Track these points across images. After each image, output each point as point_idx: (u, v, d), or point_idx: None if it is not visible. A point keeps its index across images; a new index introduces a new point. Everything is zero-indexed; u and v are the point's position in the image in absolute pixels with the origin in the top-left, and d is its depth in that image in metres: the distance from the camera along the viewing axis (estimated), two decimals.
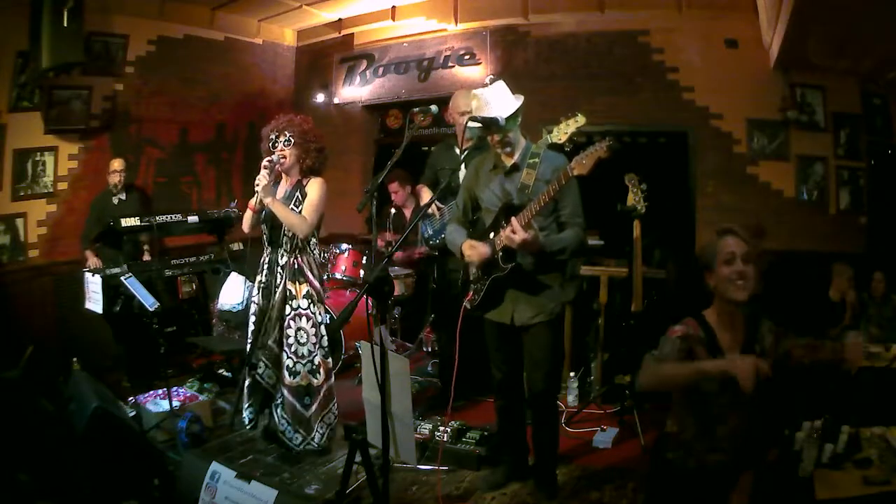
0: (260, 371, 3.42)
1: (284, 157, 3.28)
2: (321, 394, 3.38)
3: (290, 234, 3.31)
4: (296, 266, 3.33)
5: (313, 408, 3.37)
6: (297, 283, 3.33)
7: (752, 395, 1.93)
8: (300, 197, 3.32)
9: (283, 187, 3.41)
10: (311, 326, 3.33)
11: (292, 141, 3.29)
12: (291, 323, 3.32)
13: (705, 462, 2.03)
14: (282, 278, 3.34)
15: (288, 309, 3.32)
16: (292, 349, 3.33)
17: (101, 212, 4.98)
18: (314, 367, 3.35)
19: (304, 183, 3.35)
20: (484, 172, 3.02)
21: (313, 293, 3.35)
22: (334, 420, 3.45)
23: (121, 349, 4.64)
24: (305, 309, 3.32)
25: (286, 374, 3.36)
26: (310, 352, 3.34)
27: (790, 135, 5.10)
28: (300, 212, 3.28)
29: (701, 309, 2.15)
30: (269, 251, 3.42)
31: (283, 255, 3.35)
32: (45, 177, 5.13)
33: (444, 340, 4.24)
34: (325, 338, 3.39)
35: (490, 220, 2.91)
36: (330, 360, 3.43)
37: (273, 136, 3.32)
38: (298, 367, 3.34)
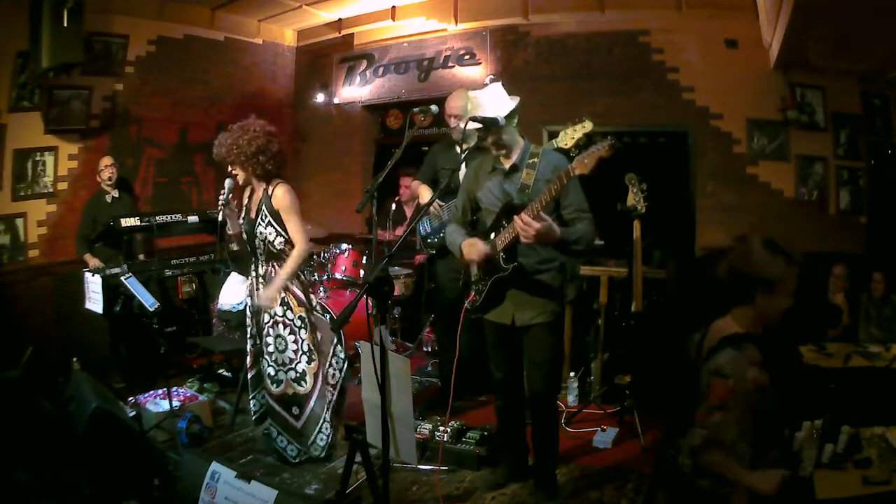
0: (268, 381, 3.41)
1: (236, 175, 3.32)
2: (311, 402, 3.33)
3: (262, 248, 3.33)
4: (272, 274, 3.34)
5: (304, 417, 3.33)
6: None
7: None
8: (267, 210, 3.29)
9: (254, 202, 3.38)
10: (290, 333, 3.30)
11: (229, 161, 3.29)
12: (270, 331, 3.32)
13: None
14: (261, 287, 3.36)
15: (266, 317, 3.33)
16: (272, 357, 3.33)
17: (95, 213, 4.97)
18: (298, 375, 3.31)
19: (270, 193, 3.32)
20: (483, 174, 3.01)
21: (289, 299, 3.32)
22: (330, 430, 3.39)
23: (118, 349, 4.64)
24: (282, 317, 3.31)
25: (268, 382, 3.36)
26: (291, 359, 3.31)
27: (790, 135, 5.10)
28: (268, 224, 3.27)
29: (717, 307, 2.02)
30: (253, 260, 3.46)
31: (261, 265, 3.38)
32: (45, 177, 5.13)
33: (443, 340, 4.24)
34: (308, 343, 3.32)
35: (490, 221, 2.91)
36: (315, 364, 3.34)
37: (220, 160, 3.34)
38: (280, 375, 3.32)
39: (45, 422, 3.12)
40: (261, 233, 3.30)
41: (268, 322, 3.32)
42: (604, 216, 4.08)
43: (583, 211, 2.81)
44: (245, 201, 3.47)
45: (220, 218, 3.41)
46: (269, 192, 3.32)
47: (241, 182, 3.36)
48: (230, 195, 3.37)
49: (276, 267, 3.34)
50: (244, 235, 3.42)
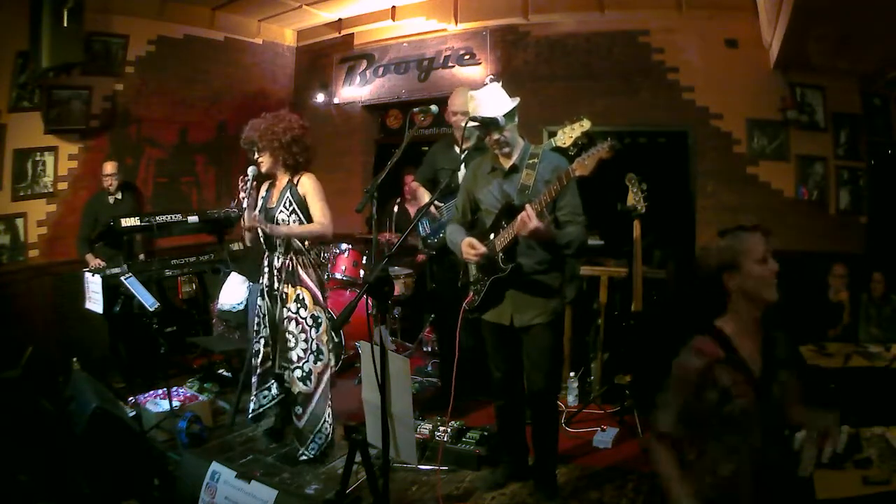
0: (286, 378, 3.39)
1: (261, 163, 3.30)
2: (312, 403, 3.30)
3: (282, 238, 3.30)
4: (290, 268, 3.31)
5: (305, 418, 3.31)
6: (289, 285, 3.30)
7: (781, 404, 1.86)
8: (291, 198, 3.29)
9: (276, 191, 3.38)
10: (301, 331, 3.28)
11: (259, 147, 3.28)
12: (289, 326, 3.30)
13: (732, 489, 1.87)
14: (279, 281, 3.33)
15: (286, 311, 3.30)
16: (286, 354, 3.32)
17: (97, 213, 4.98)
18: (304, 374, 3.28)
19: (295, 182, 3.32)
20: (482, 174, 3.01)
21: (305, 296, 3.29)
22: (329, 430, 3.36)
23: (118, 349, 4.64)
24: (295, 313, 3.29)
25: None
26: (299, 357, 3.28)
27: (790, 135, 5.10)
28: (292, 212, 3.27)
29: (705, 313, 1.99)
30: (267, 254, 3.41)
31: (278, 258, 3.34)
32: (45, 177, 5.13)
33: (444, 340, 4.24)
34: (317, 343, 3.30)
35: (490, 222, 2.91)
36: (321, 364, 3.32)
37: (248, 146, 3.34)
38: (287, 373, 3.33)
39: (45, 422, 3.12)
40: (283, 220, 3.26)
41: (285, 317, 3.30)
42: (604, 216, 4.09)
43: (577, 214, 2.83)
44: (262, 193, 3.43)
45: (244, 203, 3.32)
46: (295, 181, 3.31)
47: (264, 170, 3.32)
48: (253, 183, 3.34)
49: (294, 260, 3.30)
50: (259, 230, 3.36)
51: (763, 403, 1.84)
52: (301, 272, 3.31)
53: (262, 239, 3.39)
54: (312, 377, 3.29)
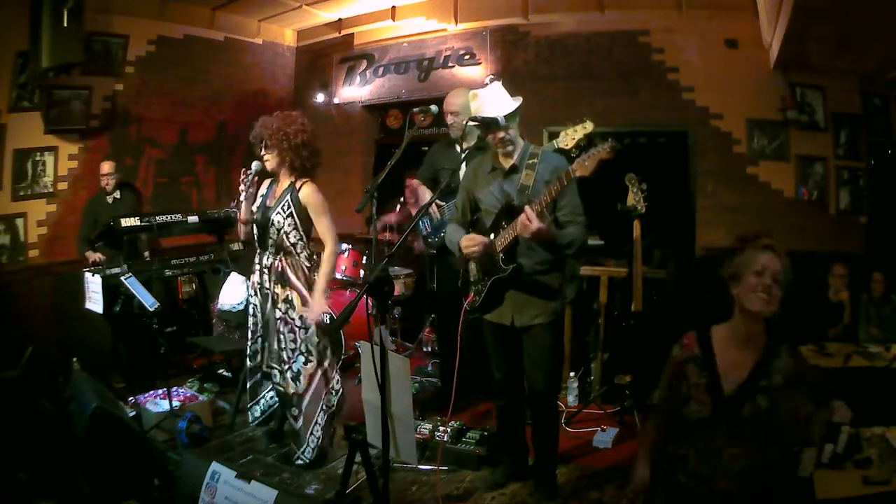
0: (276, 379, 3.38)
1: (267, 161, 3.29)
2: (304, 404, 3.28)
3: (275, 237, 3.28)
4: (279, 269, 3.29)
5: (300, 420, 3.29)
6: (279, 285, 3.29)
7: (753, 426, 1.90)
8: (290, 201, 3.26)
9: (277, 190, 3.36)
10: (289, 332, 3.26)
11: (268, 144, 3.26)
12: (280, 326, 3.29)
13: (714, 488, 1.94)
14: (269, 281, 3.32)
15: (277, 312, 3.29)
16: (277, 354, 3.31)
17: (96, 213, 4.99)
18: (293, 374, 3.27)
19: (297, 187, 3.29)
20: (482, 174, 3.01)
21: (294, 297, 3.27)
22: (320, 433, 3.31)
23: (118, 349, 4.64)
24: (284, 313, 3.27)
25: (279, 377, 3.36)
26: (288, 357, 3.27)
27: (790, 135, 5.10)
28: (288, 215, 3.25)
29: (707, 315, 2.08)
30: (259, 252, 3.40)
31: (268, 257, 3.33)
32: (45, 177, 5.13)
33: (444, 340, 4.24)
34: (308, 343, 3.27)
35: (490, 222, 2.91)
36: (312, 366, 3.27)
37: (256, 141, 3.32)
38: (276, 372, 3.32)
39: (45, 422, 3.12)
40: (278, 222, 3.24)
41: (278, 317, 3.29)
42: (604, 216, 4.09)
43: (577, 214, 2.83)
44: (263, 191, 3.42)
45: (241, 197, 3.32)
46: (297, 186, 3.29)
47: (269, 168, 3.31)
48: (255, 177, 3.33)
49: (284, 260, 3.28)
50: (254, 226, 3.36)
51: (727, 419, 1.91)
52: (290, 273, 3.28)
53: (254, 235, 3.38)
54: (302, 378, 3.27)
